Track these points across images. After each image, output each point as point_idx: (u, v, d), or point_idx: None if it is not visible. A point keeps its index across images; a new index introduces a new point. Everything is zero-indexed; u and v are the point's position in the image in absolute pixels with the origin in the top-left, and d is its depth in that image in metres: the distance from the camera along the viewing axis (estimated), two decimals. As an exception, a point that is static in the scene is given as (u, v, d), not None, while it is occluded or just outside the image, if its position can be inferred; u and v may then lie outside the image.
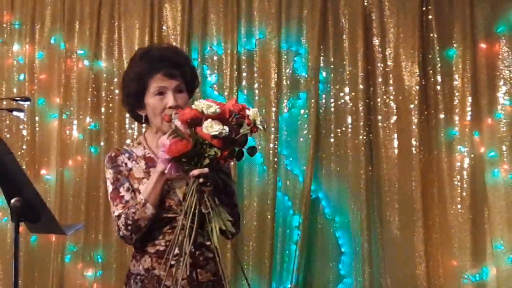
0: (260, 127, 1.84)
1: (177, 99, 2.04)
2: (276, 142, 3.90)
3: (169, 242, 1.96)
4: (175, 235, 1.89)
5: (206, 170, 1.83)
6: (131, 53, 3.98)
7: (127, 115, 4.01)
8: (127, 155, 2.12)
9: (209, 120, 1.79)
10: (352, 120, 3.88)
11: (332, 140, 3.92)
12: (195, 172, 1.84)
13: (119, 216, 2.02)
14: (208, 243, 1.99)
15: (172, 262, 1.94)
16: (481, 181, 3.73)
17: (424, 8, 3.85)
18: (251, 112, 1.85)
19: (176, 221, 2.00)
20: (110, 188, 2.09)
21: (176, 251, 1.91)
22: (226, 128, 1.79)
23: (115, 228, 2.05)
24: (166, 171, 1.89)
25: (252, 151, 1.89)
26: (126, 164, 2.11)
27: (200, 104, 1.81)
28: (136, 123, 4.03)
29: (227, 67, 3.99)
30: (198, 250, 2.02)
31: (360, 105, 3.85)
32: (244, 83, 4.00)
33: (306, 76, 3.95)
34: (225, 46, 4.01)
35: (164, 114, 2.03)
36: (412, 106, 3.81)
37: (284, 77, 3.96)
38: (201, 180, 1.84)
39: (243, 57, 4.01)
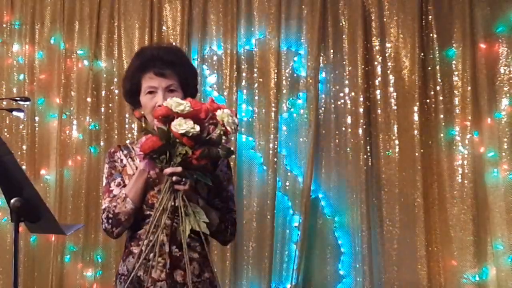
0: (228, 127, 1.81)
1: (167, 98, 1.98)
2: (276, 142, 3.90)
3: (151, 241, 1.93)
4: (147, 233, 1.88)
5: (179, 169, 1.81)
6: (131, 53, 4.02)
7: (127, 115, 4.03)
8: (125, 152, 2.15)
9: (180, 118, 1.78)
10: (352, 120, 3.87)
11: (332, 140, 3.91)
12: (168, 170, 1.83)
13: (104, 210, 2.05)
14: (195, 243, 1.98)
15: (153, 263, 1.94)
16: (481, 181, 3.72)
17: (423, 8, 3.85)
18: (220, 112, 1.82)
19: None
20: (103, 182, 2.14)
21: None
22: (197, 127, 1.78)
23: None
24: (142, 168, 1.92)
25: (227, 153, 1.85)
26: (121, 160, 2.14)
27: (171, 102, 1.81)
28: (135, 123, 4.04)
29: (227, 67, 3.98)
30: (181, 250, 1.97)
31: (360, 105, 3.85)
32: (243, 83, 4.00)
33: (306, 76, 3.94)
34: (224, 46, 4.01)
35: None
36: (412, 106, 3.81)
37: (283, 77, 3.96)
38: (174, 178, 1.84)
39: (243, 57, 4.00)
